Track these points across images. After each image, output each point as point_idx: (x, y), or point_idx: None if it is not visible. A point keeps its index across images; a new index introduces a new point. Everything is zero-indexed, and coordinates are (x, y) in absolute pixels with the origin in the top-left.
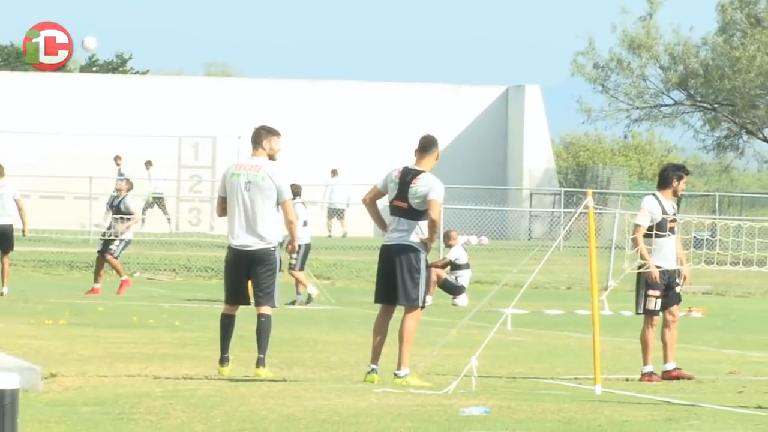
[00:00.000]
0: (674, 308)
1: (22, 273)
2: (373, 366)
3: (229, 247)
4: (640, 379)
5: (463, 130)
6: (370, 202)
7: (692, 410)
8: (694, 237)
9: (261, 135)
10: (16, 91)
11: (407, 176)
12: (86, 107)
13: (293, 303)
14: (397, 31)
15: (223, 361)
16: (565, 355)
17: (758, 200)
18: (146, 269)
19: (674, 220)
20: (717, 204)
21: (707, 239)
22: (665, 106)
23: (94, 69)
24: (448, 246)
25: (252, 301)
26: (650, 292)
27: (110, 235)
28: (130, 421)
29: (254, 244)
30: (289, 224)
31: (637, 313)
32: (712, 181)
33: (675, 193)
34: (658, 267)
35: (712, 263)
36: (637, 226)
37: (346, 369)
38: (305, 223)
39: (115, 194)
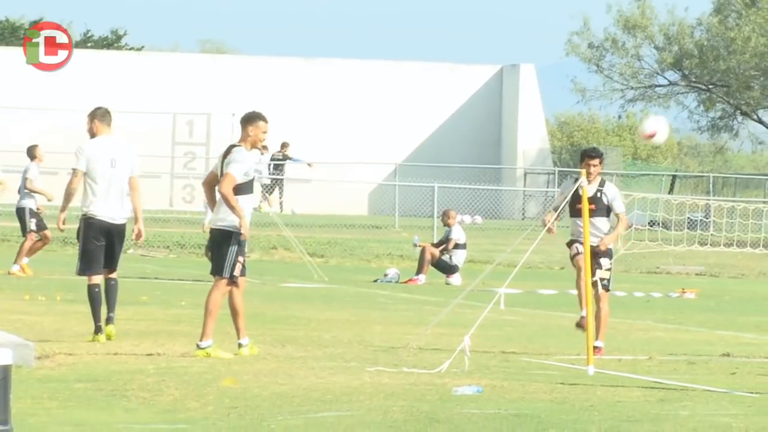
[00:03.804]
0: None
1: (15, 249)
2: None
3: (92, 219)
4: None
5: (457, 109)
6: (207, 187)
7: (685, 391)
8: (688, 218)
9: (111, 116)
10: (11, 66)
11: (225, 152)
12: (81, 83)
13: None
14: (393, 8)
15: (99, 329)
16: (558, 335)
17: (752, 181)
18: (139, 246)
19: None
20: (711, 185)
21: (701, 220)
22: (660, 86)
23: (89, 45)
24: (446, 225)
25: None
26: None
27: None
28: (123, 397)
29: (119, 217)
30: (135, 196)
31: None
32: (706, 162)
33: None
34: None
35: (706, 244)
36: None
37: (340, 347)
38: None
39: None
